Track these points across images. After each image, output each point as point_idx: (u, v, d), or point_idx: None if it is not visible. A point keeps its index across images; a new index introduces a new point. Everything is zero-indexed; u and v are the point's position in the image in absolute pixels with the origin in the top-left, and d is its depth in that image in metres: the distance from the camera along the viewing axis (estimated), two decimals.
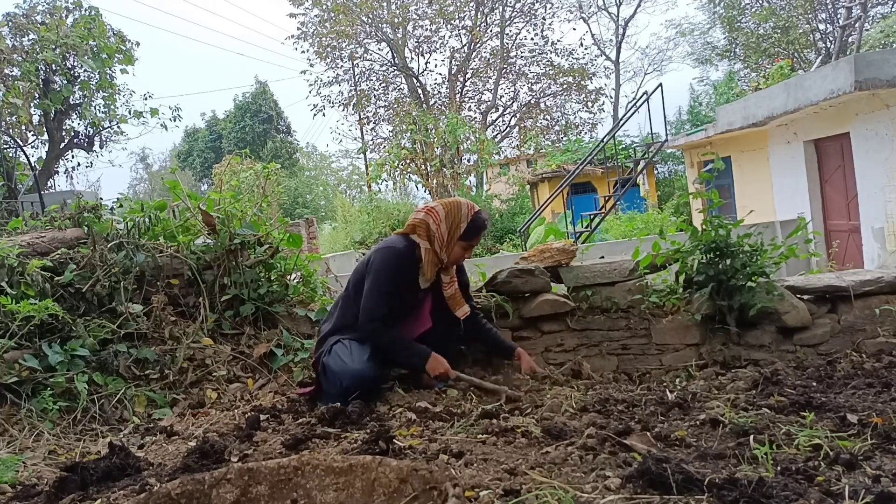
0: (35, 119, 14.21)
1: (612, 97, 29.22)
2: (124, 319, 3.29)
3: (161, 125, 16.29)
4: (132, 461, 2.13)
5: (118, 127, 15.83)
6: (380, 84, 27.37)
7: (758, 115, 10.11)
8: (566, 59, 27.16)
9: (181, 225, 3.93)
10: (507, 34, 26.46)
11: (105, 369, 3.10)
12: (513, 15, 26.36)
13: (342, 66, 26.45)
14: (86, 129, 15.44)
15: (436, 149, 17.53)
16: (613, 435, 2.12)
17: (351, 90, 26.53)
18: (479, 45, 26.43)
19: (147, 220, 3.87)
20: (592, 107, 27.33)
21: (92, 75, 14.71)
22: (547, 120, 27.60)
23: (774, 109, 9.58)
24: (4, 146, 11.21)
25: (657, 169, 23.10)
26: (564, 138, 26.14)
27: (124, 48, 14.88)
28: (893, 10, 21.37)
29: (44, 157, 14.73)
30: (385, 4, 25.13)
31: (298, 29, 25.80)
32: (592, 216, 14.00)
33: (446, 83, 26.79)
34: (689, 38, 28.60)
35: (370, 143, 26.49)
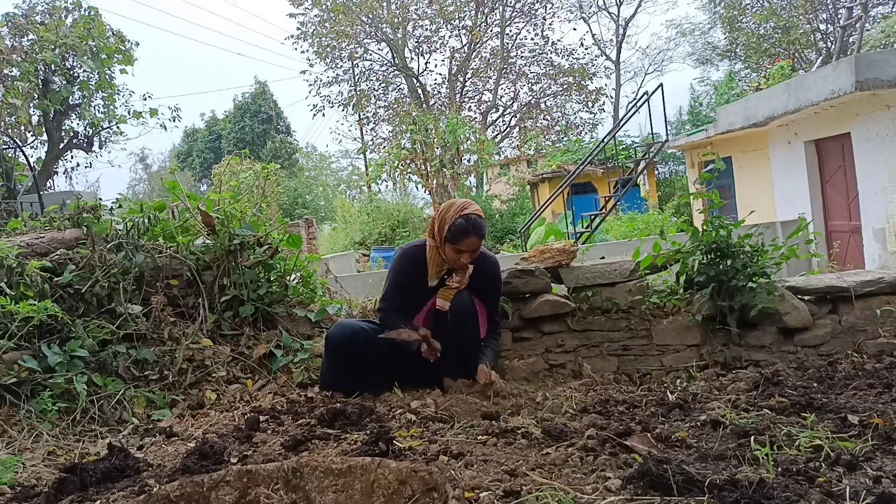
0: (34, 119, 14.21)
1: (612, 97, 29.21)
2: (123, 320, 3.28)
3: (160, 125, 16.33)
4: (131, 462, 2.12)
5: (117, 127, 15.85)
6: (380, 84, 27.37)
7: (758, 115, 10.11)
8: (566, 59, 27.17)
9: (180, 225, 3.92)
10: (508, 34, 26.45)
11: (104, 370, 3.09)
12: (513, 15, 26.34)
13: (342, 66, 26.44)
14: (85, 130, 15.45)
15: (436, 149, 17.53)
16: (614, 436, 2.11)
17: (351, 90, 26.52)
18: (479, 45, 26.41)
19: (146, 220, 3.86)
20: (593, 107, 27.33)
21: (91, 75, 14.72)
22: (547, 120, 27.60)
23: (775, 110, 9.57)
24: (4, 146, 11.22)
25: (658, 169, 23.08)
26: (565, 138, 26.12)
27: (124, 48, 14.89)
28: (894, 10, 21.38)
29: (43, 158, 14.73)
30: (385, 4, 25.12)
31: (298, 29, 25.79)
32: (593, 216, 13.98)
33: (446, 83, 26.78)
34: (690, 39, 28.62)
35: (370, 143, 26.50)
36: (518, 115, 27.64)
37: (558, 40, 27.72)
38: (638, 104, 13.83)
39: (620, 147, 16.97)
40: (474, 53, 26.61)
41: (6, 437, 2.60)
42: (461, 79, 26.73)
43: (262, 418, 2.65)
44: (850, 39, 16.40)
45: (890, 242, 8.27)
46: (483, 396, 2.88)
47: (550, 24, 27.19)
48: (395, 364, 3.13)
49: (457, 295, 3.11)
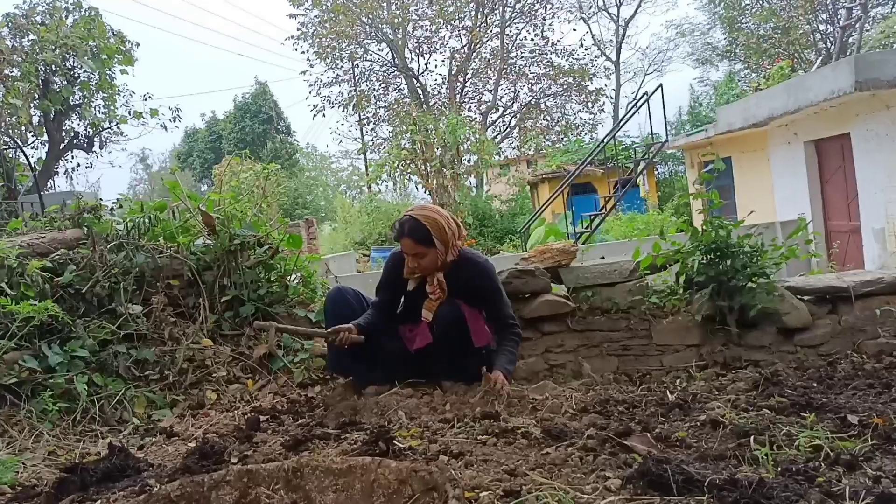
0: (35, 120, 14.22)
1: (612, 98, 29.20)
2: (124, 320, 3.29)
3: (161, 126, 16.36)
4: (132, 462, 2.13)
5: (118, 127, 15.87)
6: (380, 84, 27.37)
7: (758, 115, 10.11)
8: (566, 60, 27.14)
9: (181, 226, 3.92)
10: (507, 35, 26.45)
11: (105, 370, 3.10)
12: (513, 15, 26.35)
13: (342, 66, 26.45)
14: (85, 130, 15.46)
15: (436, 149, 17.50)
16: (614, 436, 2.11)
17: (351, 91, 26.52)
18: (479, 45, 26.40)
19: (147, 220, 3.87)
20: (593, 107, 27.31)
21: (92, 76, 14.72)
22: (547, 120, 27.56)
23: (775, 110, 9.58)
24: (4, 147, 11.21)
25: (657, 169, 23.08)
26: (565, 139, 26.12)
27: (124, 48, 14.90)
28: (894, 10, 21.39)
29: (44, 158, 14.74)
30: (385, 5, 25.13)
31: (298, 29, 25.80)
32: (593, 217, 13.99)
33: (446, 84, 26.78)
34: (690, 39, 28.64)
35: (370, 143, 26.48)
36: (518, 116, 27.62)
37: (558, 41, 27.63)
38: (638, 104, 13.83)
39: (620, 147, 16.98)
40: (474, 54, 26.60)
41: (6, 437, 2.60)
42: (461, 79, 26.72)
43: (262, 418, 2.66)
44: (850, 40, 16.38)
45: (890, 242, 8.27)
46: (483, 402, 2.82)
47: (550, 24, 27.11)
48: (393, 350, 3.15)
49: (441, 305, 3.08)
